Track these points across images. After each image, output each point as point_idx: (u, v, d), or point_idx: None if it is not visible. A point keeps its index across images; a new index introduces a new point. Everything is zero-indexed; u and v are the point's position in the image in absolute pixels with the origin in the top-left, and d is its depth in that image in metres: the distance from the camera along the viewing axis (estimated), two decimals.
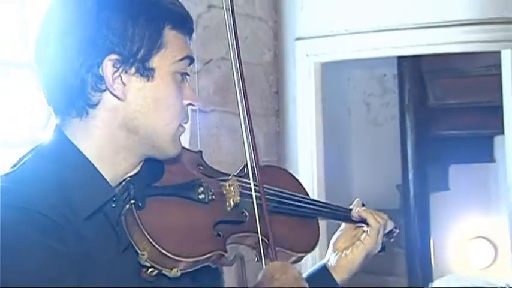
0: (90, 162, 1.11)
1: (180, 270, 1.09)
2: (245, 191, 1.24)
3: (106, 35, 1.06)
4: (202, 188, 1.18)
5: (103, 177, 1.11)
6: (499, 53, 3.29)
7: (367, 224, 1.43)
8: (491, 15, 3.19)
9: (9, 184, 1.05)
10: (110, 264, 1.08)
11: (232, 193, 1.23)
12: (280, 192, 1.35)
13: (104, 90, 1.09)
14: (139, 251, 1.07)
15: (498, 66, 3.35)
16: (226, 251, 1.16)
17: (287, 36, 3.56)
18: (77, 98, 1.09)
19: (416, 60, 4.41)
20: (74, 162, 1.10)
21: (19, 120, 2.19)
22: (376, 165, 5.05)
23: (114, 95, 1.09)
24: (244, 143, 1.16)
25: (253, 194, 1.18)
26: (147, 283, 1.10)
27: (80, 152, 1.11)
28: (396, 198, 4.68)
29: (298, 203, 1.38)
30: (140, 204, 1.09)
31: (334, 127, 4.40)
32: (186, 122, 1.19)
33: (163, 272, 1.09)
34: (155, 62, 1.10)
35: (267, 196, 1.29)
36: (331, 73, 3.88)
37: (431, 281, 4.60)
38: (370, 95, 5.32)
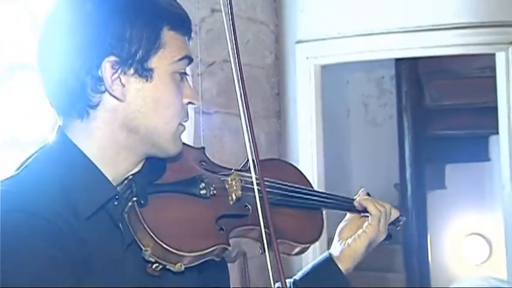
0: (91, 162, 1.10)
1: (184, 264, 1.09)
2: (247, 185, 1.23)
3: (104, 37, 1.06)
4: (203, 184, 1.17)
5: (105, 176, 1.10)
6: (493, 55, 3.29)
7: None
8: (486, 18, 3.19)
9: (12, 188, 1.04)
10: (116, 260, 1.07)
11: (234, 187, 1.22)
12: (283, 184, 1.34)
13: (104, 92, 1.08)
14: (142, 247, 1.08)
15: (492, 68, 3.35)
16: (229, 245, 1.15)
17: (288, 39, 3.56)
18: (78, 100, 1.08)
19: (413, 62, 4.42)
20: (75, 163, 1.09)
21: (31, 120, 2.18)
22: (375, 164, 5.06)
23: (113, 96, 1.08)
24: (244, 137, 1.16)
25: (255, 187, 1.16)
26: (153, 278, 1.10)
27: (82, 152, 1.10)
28: (394, 197, 4.68)
29: (302, 195, 1.37)
30: (142, 202, 1.08)
31: (334, 127, 4.40)
32: (186, 121, 1.18)
33: (167, 266, 1.08)
34: (154, 62, 1.09)
35: (270, 189, 1.28)
36: (331, 75, 3.88)
37: (429, 276, 4.62)
38: (369, 96, 5.33)
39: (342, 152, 5.18)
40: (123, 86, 1.08)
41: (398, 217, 1.48)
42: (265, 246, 1.16)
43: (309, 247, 1.34)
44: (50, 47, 1.09)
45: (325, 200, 1.43)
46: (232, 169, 1.28)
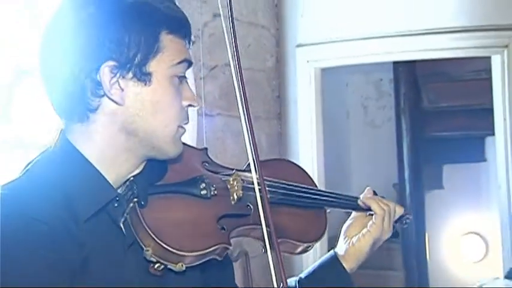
0: (91, 165, 1.09)
1: (186, 264, 1.08)
2: (248, 185, 1.22)
3: (103, 42, 1.05)
4: (204, 184, 1.16)
5: (104, 179, 1.09)
6: (489, 58, 3.28)
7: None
8: (482, 22, 3.18)
9: (13, 192, 1.04)
10: (116, 261, 1.07)
11: (236, 187, 1.21)
12: (286, 184, 1.33)
13: (103, 96, 1.07)
14: (144, 247, 1.07)
15: (488, 70, 3.34)
16: (230, 244, 1.14)
17: (288, 43, 3.56)
18: (78, 103, 1.07)
19: (411, 65, 4.42)
20: (75, 166, 1.09)
21: (39, 122, 2.17)
22: (374, 165, 5.06)
23: (112, 100, 1.07)
24: (244, 138, 1.15)
25: (256, 187, 1.14)
26: (155, 278, 1.09)
27: (82, 155, 1.09)
28: (393, 197, 4.66)
29: (305, 194, 1.35)
30: (143, 203, 1.08)
31: (334, 129, 4.39)
32: (187, 123, 1.17)
33: (168, 266, 1.08)
34: (152, 66, 1.08)
35: (272, 189, 1.27)
36: (331, 78, 3.88)
37: (427, 274, 4.61)
38: (368, 98, 5.33)
39: (342, 153, 5.18)
40: (122, 90, 1.07)
41: (404, 215, 1.46)
42: (267, 246, 1.16)
43: (312, 246, 1.33)
44: (52, 52, 1.08)
45: (329, 199, 1.41)
46: (234, 169, 1.28)
